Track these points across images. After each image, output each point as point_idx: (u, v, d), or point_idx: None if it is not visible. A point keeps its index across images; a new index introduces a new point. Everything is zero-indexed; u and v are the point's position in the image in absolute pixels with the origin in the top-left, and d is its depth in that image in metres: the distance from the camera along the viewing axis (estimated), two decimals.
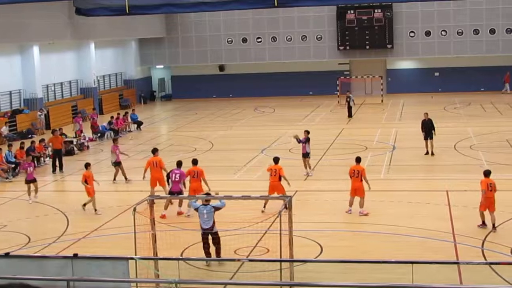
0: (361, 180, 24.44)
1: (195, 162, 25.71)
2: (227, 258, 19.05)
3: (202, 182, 25.24)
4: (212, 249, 19.70)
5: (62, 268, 14.48)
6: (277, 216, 17.37)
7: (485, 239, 21.04)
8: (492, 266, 17.57)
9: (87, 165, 26.82)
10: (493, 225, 21.93)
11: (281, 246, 18.02)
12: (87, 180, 25.93)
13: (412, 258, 18.63)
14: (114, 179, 31.46)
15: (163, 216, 24.52)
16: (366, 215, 24.06)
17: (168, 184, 25.70)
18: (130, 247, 17.73)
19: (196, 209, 19.93)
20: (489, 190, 22.00)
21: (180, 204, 25.48)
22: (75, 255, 14.61)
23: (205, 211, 19.58)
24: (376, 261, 17.58)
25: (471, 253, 20.01)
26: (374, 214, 24.34)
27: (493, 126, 43.29)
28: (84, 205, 26.10)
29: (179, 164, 25.69)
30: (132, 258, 14.90)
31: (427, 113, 35.12)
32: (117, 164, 31.57)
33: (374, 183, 29.25)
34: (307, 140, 30.93)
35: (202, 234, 19.68)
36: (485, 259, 19.52)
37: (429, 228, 22.39)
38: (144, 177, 27.22)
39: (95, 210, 25.75)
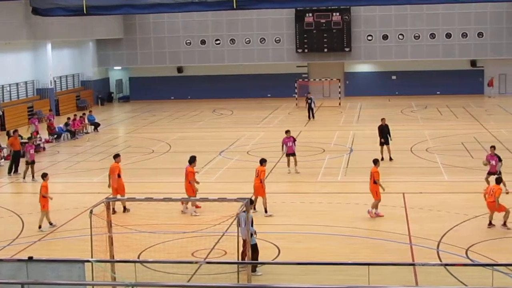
0: (374, 182, 24.21)
1: (189, 160, 25.71)
2: (184, 260, 18.97)
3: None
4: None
5: (16, 271, 14.31)
6: (235, 219, 17.37)
7: (440, 241, 21.25)
8: (447, 267, 17.75)
9: (44, 175, 24.91)
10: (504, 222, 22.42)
11: (239, 248, 18.05)
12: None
13: (368, 259, 18.80)
14: (24, 177, 32.23)
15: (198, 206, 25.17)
16: (373, 217, 23.93)
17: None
18: (87, 250, 17.61)
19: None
20: (490, 194, 22.50)
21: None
22: (30, 258, 14.45)
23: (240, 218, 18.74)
24: (333, 263, 17.66)
25: (427, 254, 20.17)
26: (331, 216, 24.43)
27: (448, 129, 43.77)
28: (40, 227, 24.04)
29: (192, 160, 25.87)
30: (88, 261, 14.79)
31: (384, 119, 35.18)
32: (30, 162, 32.24)
33: (331, 185, 29.55)
34: (294, 140, 32.09)
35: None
36: (440, 260, 19.72)
37: (386, 230, 22.56)
38: (108, 185, 26.18)
39: (50, 223, 24.12)
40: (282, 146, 32.14)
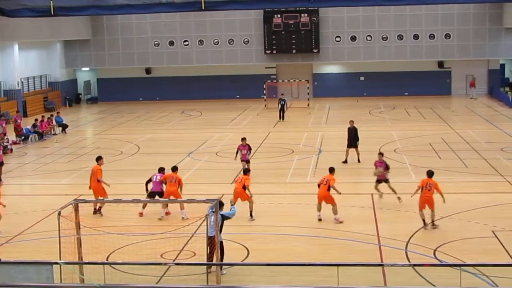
0: (329, 189, 23.90)
1: (173, 169, 25.39)
2: (153, 262, 18.93)
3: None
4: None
5: None
6: (204, 220, 17.36)
7: (408, 241, 21.38)
8: (416, 267, 17.87)
9: None
10: (432, 221, 22.80)
11: (208, 249, 18.03)
12: None
13: (337, 260, 18.85)
14: None
15: (140, 214, 24.80)
16: (341, 222, 23.64)
17: (147, 188, 25.48)
18: (55, 252, 17.50)
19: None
20: (427, 189, 22.90)
21: (163, 206, 24.95)
22: None
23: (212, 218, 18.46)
24: (302, 264, 17.72)
25: (395, 255, 20.29)
26: (300, 217, 24.49)
27: (416, 130, 44.06)
28: None
29: (161, 169, 25.55)
30: (56, 263, 14.71)
31: (352, 121, 35.25)
32: None
33: (300, 186, 29.62)
34: (250, 149, 31.53)
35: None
36: (409, 261, 19.84)
37: (354, 230, 22.65)
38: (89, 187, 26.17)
39: None
40: (237, 152, 31.51)
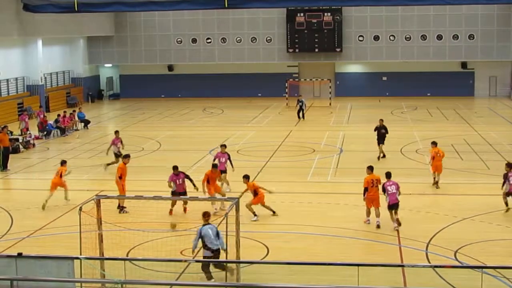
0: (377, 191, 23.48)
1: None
2: (173, 258, 18.95)
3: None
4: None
5: (5, 267, 14.29)
6: (224, 218, 17.36)
7: (429, 242, 21.29)
8: (436, 269, 17.79)
9: None
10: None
11: (228, 247, 18.03)
12: None
13: (357, 260, 18.78)
14: (108, 165, 32.72)
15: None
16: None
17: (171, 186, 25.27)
18: (76, 247, 17.57)
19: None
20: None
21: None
22: (19, 254, 14.43)
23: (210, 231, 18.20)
24: (322, 263, 17.67)
25: (416, 256, 20.21)
26: (320, 216, 24.44)
27: (438, 130, 43.80)
28: None
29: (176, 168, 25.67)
30: (77, 258, 14.77)
31: (382, 120, 35.41)
32: (118, 155, 32.21)
33: (321, 185, 29.54)
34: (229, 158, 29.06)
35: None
36: (429, 262, 19.74)
37: (375, 230, 22.56)
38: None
39: None
40: (214, 159, 29.23)
